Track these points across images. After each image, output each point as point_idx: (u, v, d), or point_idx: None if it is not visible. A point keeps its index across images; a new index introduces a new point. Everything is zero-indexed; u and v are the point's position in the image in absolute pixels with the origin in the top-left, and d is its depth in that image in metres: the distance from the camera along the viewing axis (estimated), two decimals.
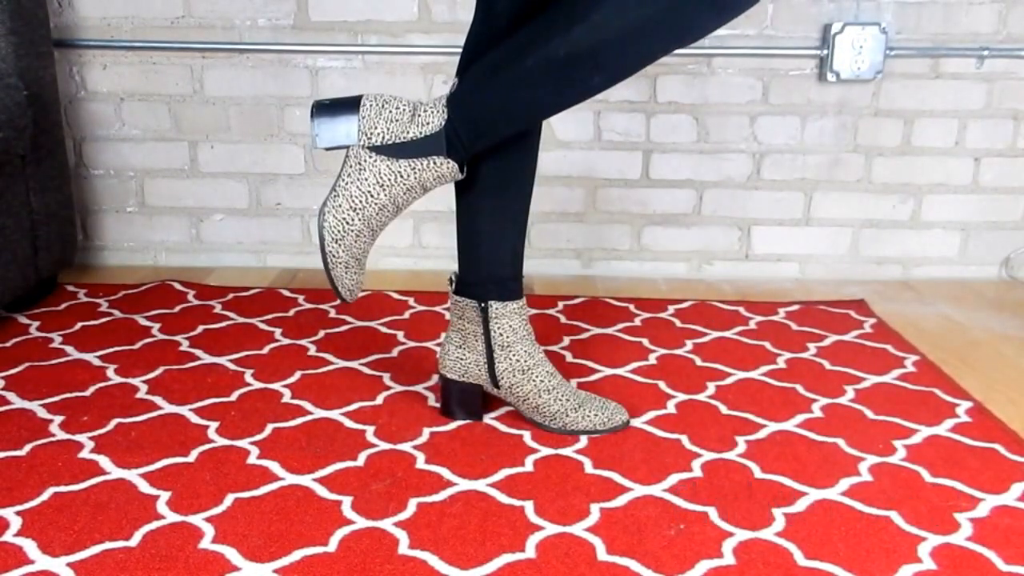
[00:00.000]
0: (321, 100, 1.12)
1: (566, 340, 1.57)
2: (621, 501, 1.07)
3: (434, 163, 1.09)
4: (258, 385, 1.38)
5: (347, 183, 1.11)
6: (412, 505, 1.06)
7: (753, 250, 1.99)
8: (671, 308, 1.74)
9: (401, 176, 1.10)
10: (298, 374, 1.42)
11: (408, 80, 1.89)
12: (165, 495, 1.07)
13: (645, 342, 1.57)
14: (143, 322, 1.62)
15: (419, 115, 1.10)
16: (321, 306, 1.72)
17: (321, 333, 1.59)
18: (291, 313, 1.68)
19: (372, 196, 1.10)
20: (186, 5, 1.85)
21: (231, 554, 0.96)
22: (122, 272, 1.95)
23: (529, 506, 1.06)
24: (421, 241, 1.99)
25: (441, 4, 1.84)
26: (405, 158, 1.10)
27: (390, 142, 1.10)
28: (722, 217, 1.96)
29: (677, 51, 1.84)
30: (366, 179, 1.10)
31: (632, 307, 1.75)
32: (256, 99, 1.91)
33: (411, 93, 1.89)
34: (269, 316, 1.66)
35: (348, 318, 1.66)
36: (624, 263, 2.00)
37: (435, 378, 1.41)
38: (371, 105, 1.11)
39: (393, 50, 1.86)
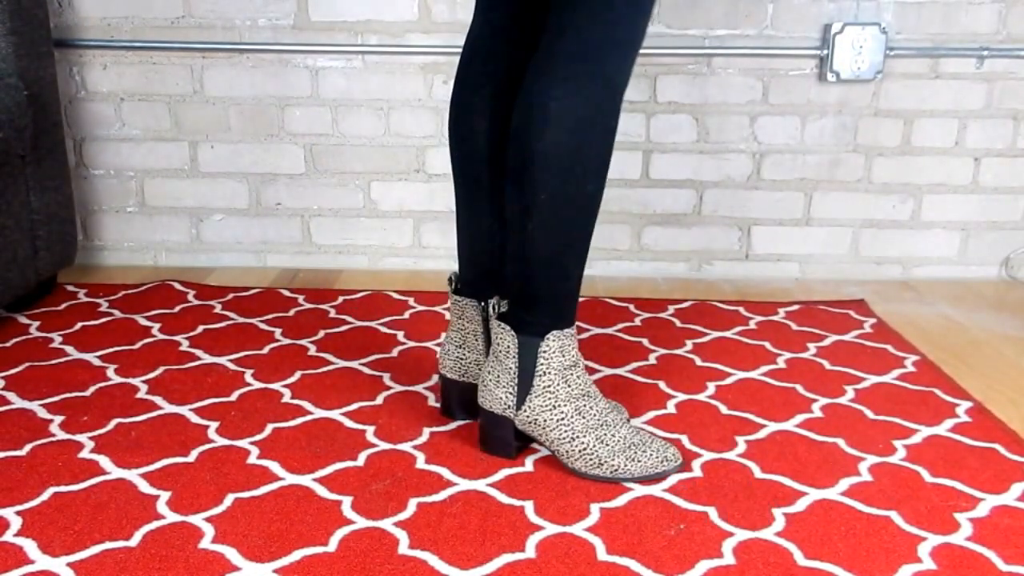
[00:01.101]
0: (484, 447, 1.17)
1: None
2: (621, 501, 1.07)
3: (549, 351, 1.09)
4: (258, 385, 1.38)
5: (550, 443, 1.12)
6: (412, 505, 1.06)
7: (753, 250, 1.99)
8: (671, 308, 1.74)
9: (553, 387, 1.10)
10: (298, 374, 1.42)
11: (408, 80, 1.89)
12: (165, 495, 1.07)
13: (645, 342, 1.57)
14: (143, 322, 1.62)
15: (499, 353, 1.12)
16: (321, 306, 1.72)
17: (321, 333, 1.59)
18: (291, 313, 1.68)
19: (565, 419, 1.10)
20: (186, 5, 1.85)
21: (231, 554, 0.96)
22: (122, 272, 1.95)
23: (529, 506, 1.06)
24: (421, 241, 1.99)
25: (441, 4, 1.84)
26: (535, 380, 1.10)
27: (517, 390, 1.11)
28: (722, 217, 1.96)
29: (677, 51, 1.84)
30: (548, 420, 1.11)
31: (632, 307, 1.75)
32: (256, 99, 1.91)
33: (411, 93, 1.89)
34: (269, 316, 1.66)
35: (348, 318, 1.66)
36: (624, 263, 2.00)
37: (435, 378, 1.41)
38: (486, 394, 1.13)
39: (393, 50, 1.86)
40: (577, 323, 1.65)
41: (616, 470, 1.10)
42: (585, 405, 1.11)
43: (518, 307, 1.10)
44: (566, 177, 1.03)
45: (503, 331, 1.11)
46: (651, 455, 1.11)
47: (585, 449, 1.10)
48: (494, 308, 1.12)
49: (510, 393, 1.12)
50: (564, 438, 1.11)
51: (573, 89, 1.01)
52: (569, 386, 1.10)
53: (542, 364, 1.09)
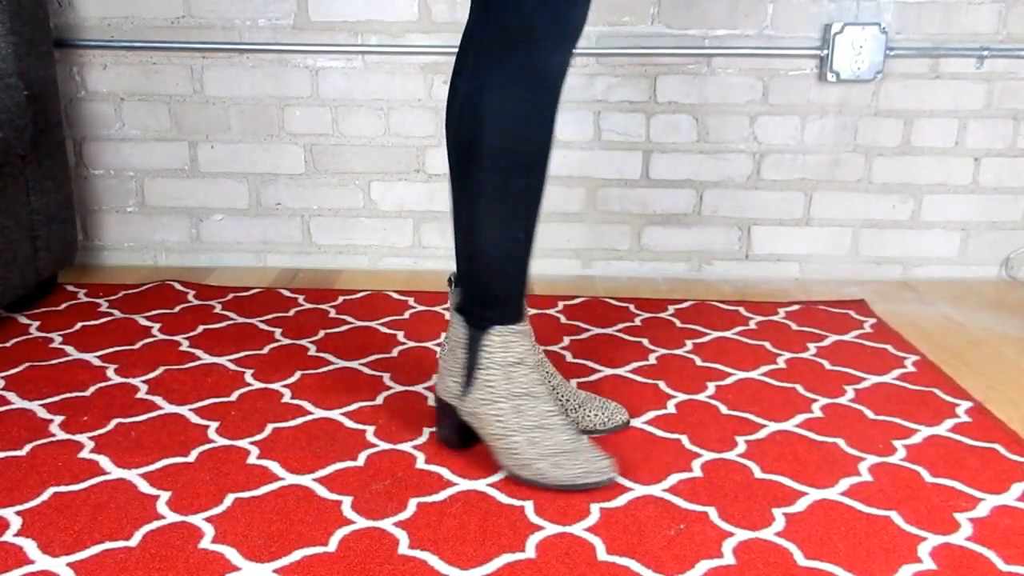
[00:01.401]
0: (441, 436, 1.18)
1: (566, 340, 1.57)
2: (621, 501, 1.07)
3: (492, 346, 1.10)
4: (258, 385, 1.38)
5: (486, 438, 1.12)
6: (412, 505, 1.06)
7: (753, 250, 1.99)
8: (671, 308, 1.74)
9: (493, 382, 1.10)
10: (298, 374, 1.42)
11: (408, 80, 1.89)
12: (165, 495, 1.07)
13: (645, 342, 1.57)
14: (143, 322, 1.62)
15: (452, 343, 1.13)
16: (321, 306, 1.72)
17: (321, 333, 1.59)
18: (291, 313, 1.68)
19: (502, 416, 1.11)
20: (186, 5, 1.85)
21: (231, 554, 0.96)
22: (122, 272, 1.95)
23: (529, 506, 1.06)
24: (421, 241, 1.99)
25: (441, 4, 1.84)
26: (476, 373, 1.11)
27: (464, 379, 1.12)
28: (722, 217, 1.96)
29: (677, 51, 1.84)
30: (486, 415, 1.11)
31: (632, 307, 1.75)
32: (256, 99, 1.91)
33: (411, 93, 1.89)
34: (269, 316, 1.66)
35: (348, 318, 1.66)
36: (624, 263, 2.00)
37: (435, 378, 1.41)
38: (439, 381, 1.16)
39: (393, 50, 1.86)
40: (577, 323, 1.65)
41: (539, 474, 1.08)
42: (524, 404, 1.10)
43: (468, 300, 1.11)
44: (497, 172, 1.02)
45: (456, 321, 1.12)
46: (578, 465, 1.08)
47: (514, 448, 1.09)
48: (454, 300, 1.13)
49: (457, 383, 1.12)
50: (497, 434, 1.10)
51: (497, 82, 1.00)
52: (510, 383, 1.10)
53: (484, 358, 1.10)
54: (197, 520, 1.02)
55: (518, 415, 1.09)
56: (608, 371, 1.45)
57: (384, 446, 1.20)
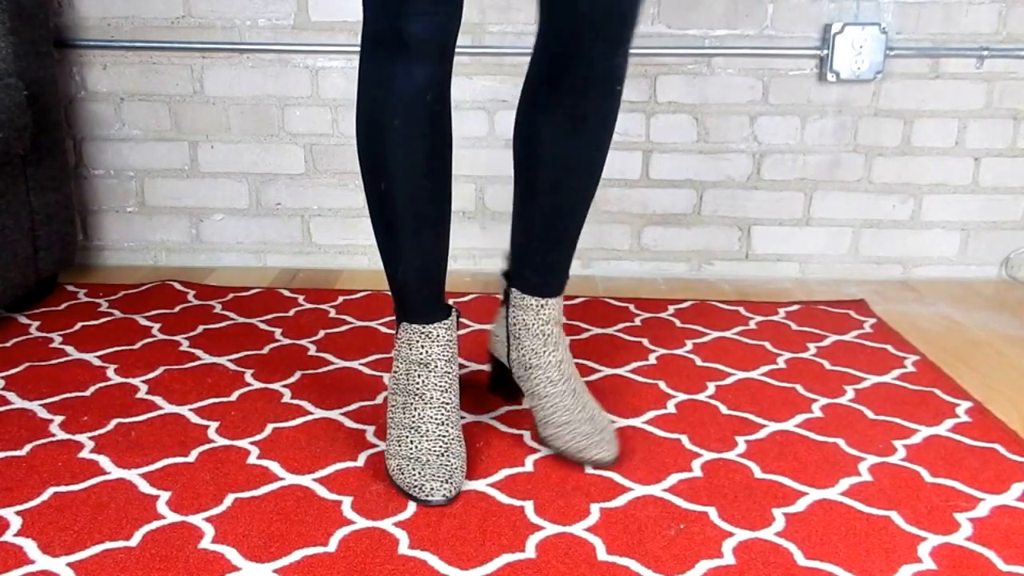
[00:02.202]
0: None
1: (566, 340, 1.57)
2: (621, 501, 1.07)
3: (399, 341, 1.14)
4: (258, 385, 1.38)
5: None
6: (412, 505, 1.06)
7: (753, 250, 1.99)
8: (671, 308, 1.74)
9: (397, 374, 1.14)
10: (298, 374, 1.42)
11: None
12: (165, 495, 1.07)
13: (645, 342, 1.57)
14: (143, 322, 1.62)
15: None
16: (321, 306, 1.72)
17: (321, 333, 1.59)
18: (291, 313, 1.68)
19: (393, 408, 1.14)
20: (186, 5, 1.85)
21: (231, 554, 0.96)
22: (122, 272, 1.96)
23: (529, 506, 1.06)
24: None
25: None
26: (394, 363, 1.16)
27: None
28: (722, 217, 1.96)
29: (677, 51, 1.84)
30: (389, 402, 1.16)
31: (632, 307, 1.75)
32: (256, 99, 1.91)
33: None
34: (269, 316, 1.66)
35: (348, 318, 1.66)
36: (624, 263, 2.00)
37: None
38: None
39: None
40: (577, 323, 1.65)
41: (390, 469, 1.11)
42: (411, 403, 1.12)
43: None
44: (365, 179, 1.08)
45: None
46: (415, 476, 1.07)
47: (389, 439, 1.13)
48: None
49: None
50: (387, 424, 1.15)
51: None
52: (408, 380, 1.13)
53: (395, 352, 1.16)
54: (197, 520, 1.02)
55: (404, 412, 1.13)
56: (608, 371, 1.45)
57: (384, 446, 1.20)
